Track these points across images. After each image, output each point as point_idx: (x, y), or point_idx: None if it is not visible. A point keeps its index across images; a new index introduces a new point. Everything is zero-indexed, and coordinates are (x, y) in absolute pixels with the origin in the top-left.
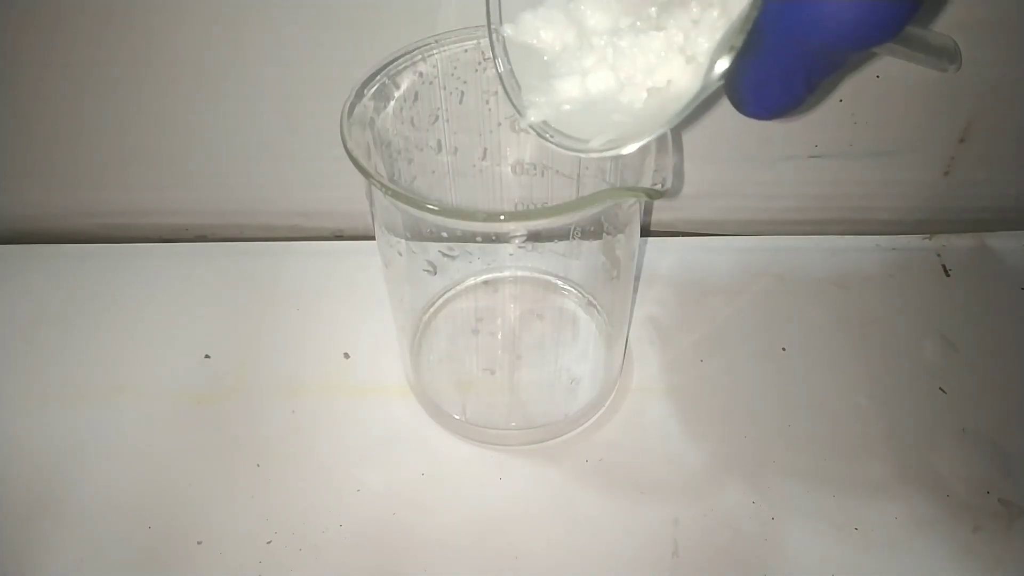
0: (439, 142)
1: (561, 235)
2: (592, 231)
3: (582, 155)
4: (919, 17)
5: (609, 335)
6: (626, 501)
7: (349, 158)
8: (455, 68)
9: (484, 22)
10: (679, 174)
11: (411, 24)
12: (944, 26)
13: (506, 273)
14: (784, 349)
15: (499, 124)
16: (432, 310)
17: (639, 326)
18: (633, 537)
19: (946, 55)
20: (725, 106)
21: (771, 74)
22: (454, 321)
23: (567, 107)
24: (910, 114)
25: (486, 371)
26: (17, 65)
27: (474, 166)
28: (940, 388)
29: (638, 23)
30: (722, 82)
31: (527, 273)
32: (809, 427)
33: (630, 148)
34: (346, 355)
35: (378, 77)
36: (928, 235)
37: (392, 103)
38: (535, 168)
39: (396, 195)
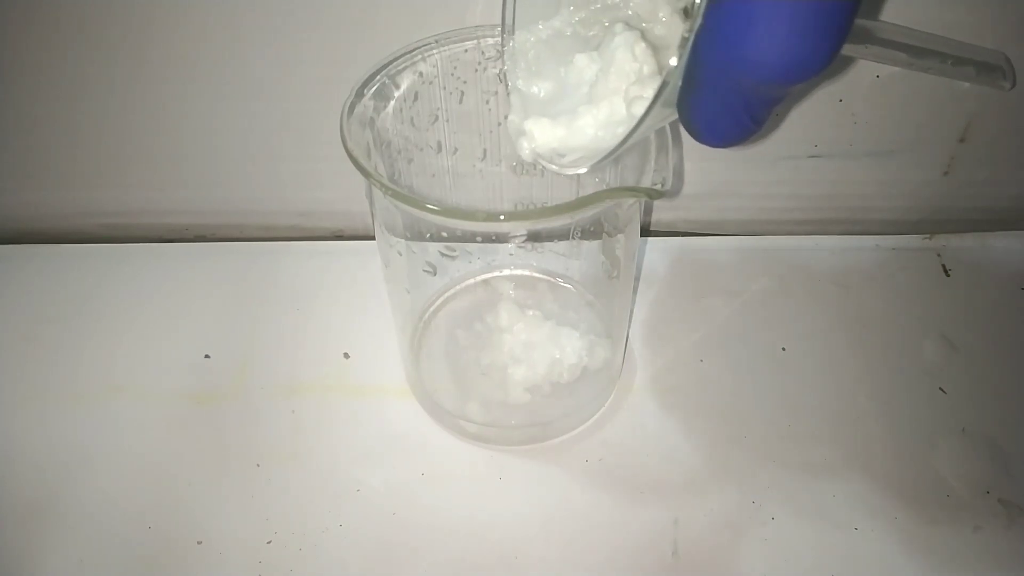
0: (439, 142)
1: (561, 235)
2: (592, 231)
3: (551, 167)
4: (962, 33)
5: (609, 335)
6: (626, 501)
7: (349, 158)
8: (455, 68)
9: (483, 23)
10: (679, 174)
11: (411, 24)
12: (944, 26)
13: (506, 273)
14: (784, 349)
15: (499, 124)
16: (432, 310)
17: (639, 326)
18: (633, 537)
19: (999, 72)
20: None
21: (713, 109)
22: (454, 321)
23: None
24: (910, 114)
25: (486, 371)
26: (17, 65)
27: (474, 166)
28: (940, 388)
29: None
30: (674, 114)
31: (527, 273)
32: (809, 427)
33: (581, 168)
34: (346, 355)
35: (378, 77)
36: (928, 235)
37: (392, 103)
38: (535, 168)
39: (396, 195)
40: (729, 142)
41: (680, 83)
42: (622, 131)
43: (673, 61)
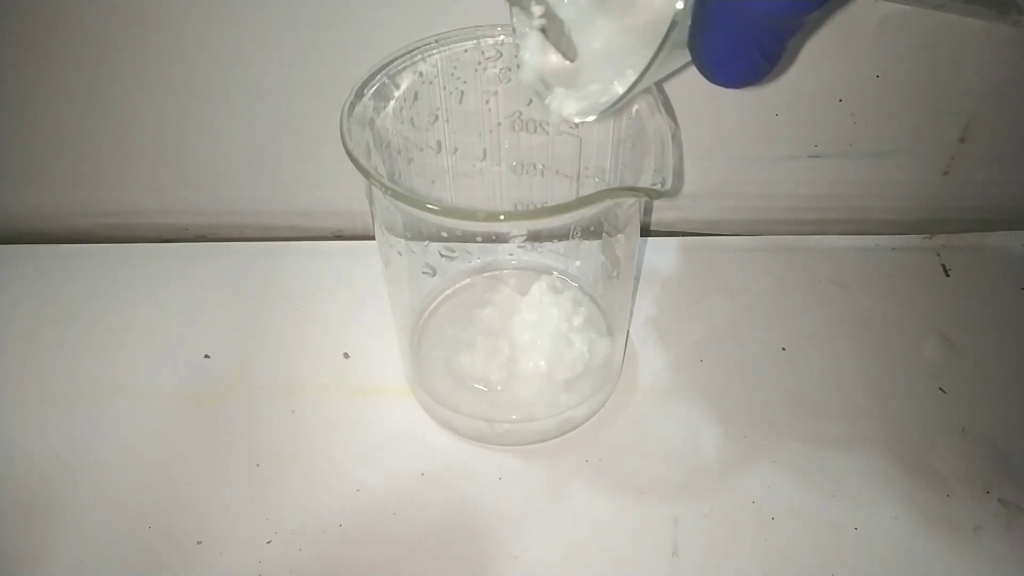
0: (439, 142)
1: (561, 235)
2: (592, 231)
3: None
4: None
5: (609, 335)
6: (626, 501)
7: (349, 158)
8: (455, 68)
9: (482, 22)
10: (679, 174)
11: (411, 24)
12: (944, 25)
13: (506, 273)
14: (784, 349)
15: (499, 124)
16: (431, 310)
17: (639, 326)
18: (633, 537)
19: (1013, 6)
20: (725, 105)
21: (724, 46)
22: (454, 321)
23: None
24: (910, 114)
25: (485, 371)
26: (17, 65)
27: (474, 166)
28: (940, 388)
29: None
30: (687, 56)
31: (527, 273)
32: (809, 427)
33: (592, 115)
34: (345, 355)
35: (378, 77)
36: (928, 235)
37: (392, 103)
38: (535, 168)
39: (396, 195)
40: (743, 81)
41: (689, 22)
42: (631, 75)
43: (680, 4)
